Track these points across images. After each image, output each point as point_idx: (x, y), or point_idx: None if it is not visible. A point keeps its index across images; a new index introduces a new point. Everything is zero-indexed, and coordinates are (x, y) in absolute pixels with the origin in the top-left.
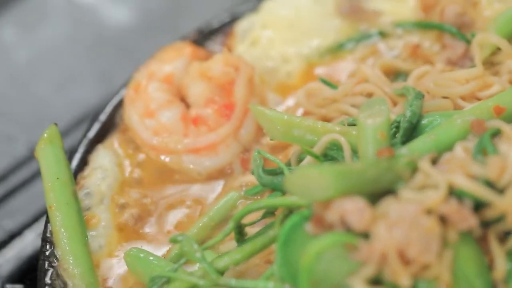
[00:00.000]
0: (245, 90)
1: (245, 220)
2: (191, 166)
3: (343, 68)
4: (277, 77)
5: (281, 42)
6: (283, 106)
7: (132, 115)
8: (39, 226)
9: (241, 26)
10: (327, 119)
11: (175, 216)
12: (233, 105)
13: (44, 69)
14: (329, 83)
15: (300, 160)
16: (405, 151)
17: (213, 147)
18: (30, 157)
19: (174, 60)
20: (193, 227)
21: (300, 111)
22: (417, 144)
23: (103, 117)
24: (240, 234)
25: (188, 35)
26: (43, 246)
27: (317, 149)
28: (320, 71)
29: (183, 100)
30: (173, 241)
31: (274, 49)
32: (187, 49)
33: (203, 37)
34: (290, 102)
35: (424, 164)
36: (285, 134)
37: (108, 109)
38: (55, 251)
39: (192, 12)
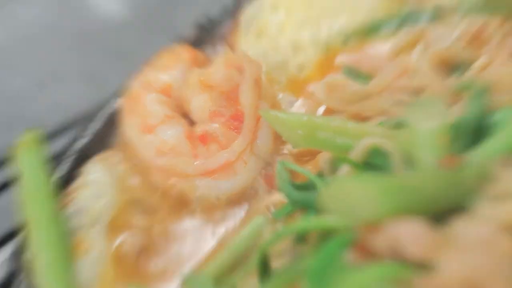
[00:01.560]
0: (252, 94)
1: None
2: (206, 190)
3: (375, 56)
4: (287, 72)
5: (294, 26)
6: (299, 106)
7: (129, 130)
8: (11, 248)
9: (247, 13)
10: (356, 119)
11: (187, 249)
12: (241, 115)
13: (20, 60)
14: (359, 75)
15: (334, 169)
16: (475, 157)
17: (229, 167)
18: (1, 164)
19: (172, 68)
20: (209, 264)
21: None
22: (487, 147)
23: (94, 126)
24: (265, 269)
25: (186, 33)
26: (14, 273)
27: (355, 156)
28: (342, 59)
29: (185, 116)
30: (185, 281)
31: (284, 36)
32: (185, 54)
33: (202, 33)
34: (306, 100)
35: (502, 170)
36: (309, 139)
37: (101, 119)
38: (30, 281)
39: (190, 4)
